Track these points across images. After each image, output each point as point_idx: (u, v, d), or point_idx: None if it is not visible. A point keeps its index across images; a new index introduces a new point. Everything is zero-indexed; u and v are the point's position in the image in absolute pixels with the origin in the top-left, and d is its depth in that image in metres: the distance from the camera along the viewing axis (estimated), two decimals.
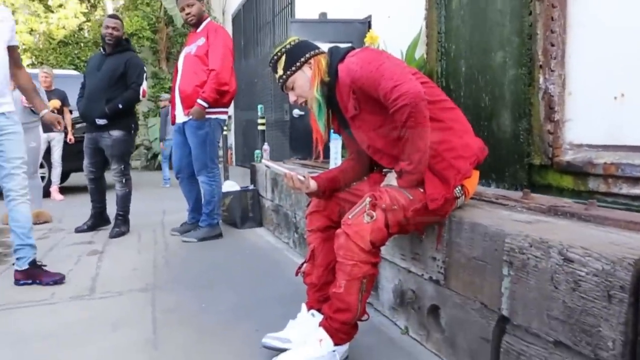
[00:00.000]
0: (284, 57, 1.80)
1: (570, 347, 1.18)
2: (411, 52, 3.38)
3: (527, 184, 2.30)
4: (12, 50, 2.66)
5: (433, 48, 3.10)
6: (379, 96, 1.58)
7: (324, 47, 1.86)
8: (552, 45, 2.18)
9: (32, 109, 4.01)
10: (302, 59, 1.78)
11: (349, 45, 1.84)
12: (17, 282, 2.65)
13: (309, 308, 1.87)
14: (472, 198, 1.84)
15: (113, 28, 3.84)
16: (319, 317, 1.77)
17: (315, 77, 1.76)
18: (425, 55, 3.19)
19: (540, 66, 2.21)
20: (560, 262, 1.19)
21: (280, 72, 1.81)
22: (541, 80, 2.21)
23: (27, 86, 2.82)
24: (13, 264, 2.72)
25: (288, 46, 1.81)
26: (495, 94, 2.51)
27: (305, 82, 1.79)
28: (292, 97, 1.85)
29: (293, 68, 1.79)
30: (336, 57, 1.76)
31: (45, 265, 2.75)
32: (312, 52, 1.80)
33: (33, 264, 2.67)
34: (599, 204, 1.71)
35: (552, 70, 2.19)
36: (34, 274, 2.65)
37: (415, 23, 3.33)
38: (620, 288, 1.06)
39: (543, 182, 2.26)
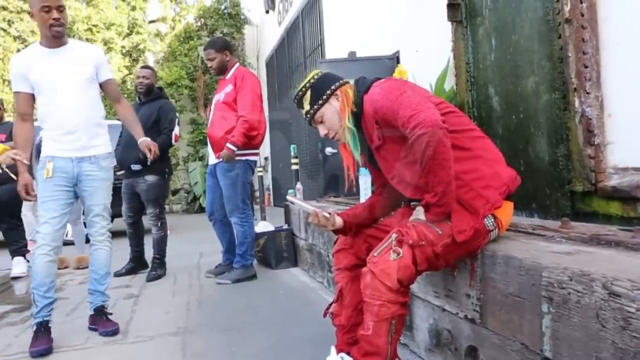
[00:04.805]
0: (309, 92, 1.75)
1: None
2: (440, 84, 3.34)
3: (571, 212, 2.16)
4: (104, 86, 2.69)
5: (462, 79, 3.05)
6: (398, 126, 1.53)
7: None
8: (586, 67, 2.09)
9: None
10: (329, 92, 1.73)
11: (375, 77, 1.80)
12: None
13: (339, 351, 1.77)
14: (507, 230, 1.73)
15: (143, 77, 4.02)
16: None
17: (345, 107, 1.71)
18: (455, 87, 3.14)
19: (575, 89, 2.11)
20: (605, 297, 1.07)
21: (306, 107, 1.76)
22: (577, 103, 2.11)
23: (126, 117, 2.87)
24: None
25: (312, 80, 1.77)
26: (529, 121, 2.41)
27: (334, 115, 1.73)
28: (322, 131, 1.78)
29: (320, 101, 1.74)
30: (362, 88, 1.72)
31: (110, 314, 2.72)
32: (337, 84, 1.75)
33: (98, 310, 2.68)
34: None
35: (587, 93, 2.08)
36: (95, 321, 2.68)
37: (443, 55, 3.30)
38: None
39: (588, 209, 2.12)
